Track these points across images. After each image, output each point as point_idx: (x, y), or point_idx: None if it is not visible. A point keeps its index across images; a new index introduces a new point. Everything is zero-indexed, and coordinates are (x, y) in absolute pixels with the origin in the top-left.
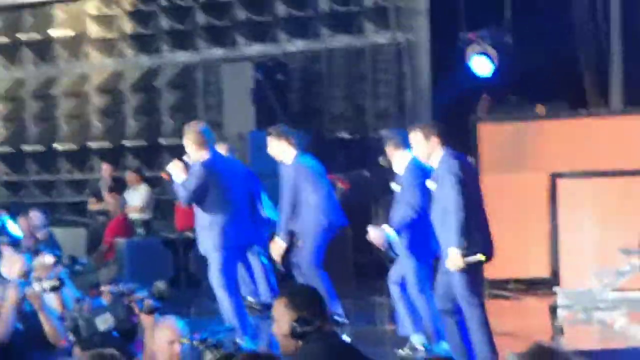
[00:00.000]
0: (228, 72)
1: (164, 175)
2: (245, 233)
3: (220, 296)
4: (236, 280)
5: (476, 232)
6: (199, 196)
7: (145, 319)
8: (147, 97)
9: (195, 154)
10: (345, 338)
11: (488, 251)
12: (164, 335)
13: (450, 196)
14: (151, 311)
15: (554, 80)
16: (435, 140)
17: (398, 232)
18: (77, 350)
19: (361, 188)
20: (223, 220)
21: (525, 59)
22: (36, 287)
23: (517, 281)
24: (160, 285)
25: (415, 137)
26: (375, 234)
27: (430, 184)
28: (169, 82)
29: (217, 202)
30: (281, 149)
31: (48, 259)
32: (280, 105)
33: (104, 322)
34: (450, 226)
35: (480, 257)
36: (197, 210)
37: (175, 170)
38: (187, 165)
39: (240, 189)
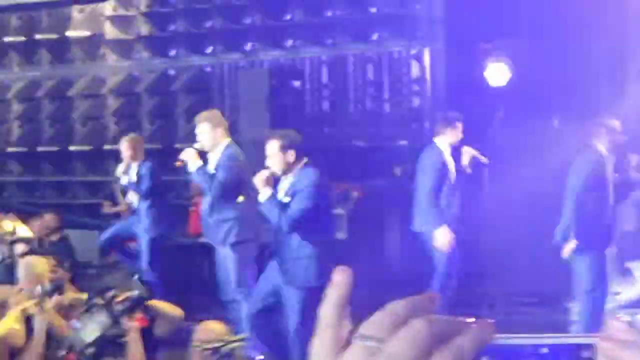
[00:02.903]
0: (244, 77)
1: (178, 163)
2: None
3: None
4: None
5: None
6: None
7: (129, 324)
8: (163, 100)
9: (219, 139)
10: None
11: None
12: (195, 337)
13: None
14: (132, 316)
15: (570, 93)
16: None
17: None
18: None
19: (375, 197)
20: None
21: (542, 70)
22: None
23: (531, 294)
24: (140, 289)
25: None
26: None
27: None
28: (185, 85)
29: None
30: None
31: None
32: (295, 112)
33: (91, 333)
34: None
35: None
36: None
37: (189, 157)
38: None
39: None
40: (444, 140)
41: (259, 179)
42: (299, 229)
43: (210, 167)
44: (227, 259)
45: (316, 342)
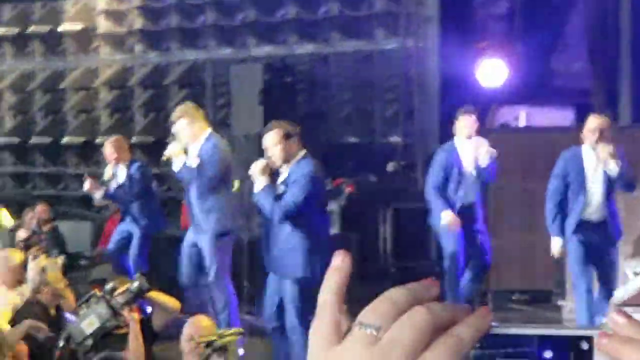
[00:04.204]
0: (237, 72)
1: (164, 158)
2: None
3: None
4: None
5: None
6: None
7: (128, 316)
8: (156, 93)
9: (200, 131)
10: None
11: None
12: (186, 332)
13: None
14: (131, 307)
15: (563, 92)
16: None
17: None
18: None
19: (368, 193)
20: None
21: (535, 70)
22: None
23: (522, 292)
24: (140, 280)
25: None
26: None
27: None
28: (178, 80)
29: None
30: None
31: None
32: (288, 108)
33: (89, 325)
34: None
35: None
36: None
37: (173, 153)
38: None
39: None
40: (457, 134)
41: (255, 168)
42: (292, 219)
43: (193, 161)
44: (204, 247)
45: (315, 329)
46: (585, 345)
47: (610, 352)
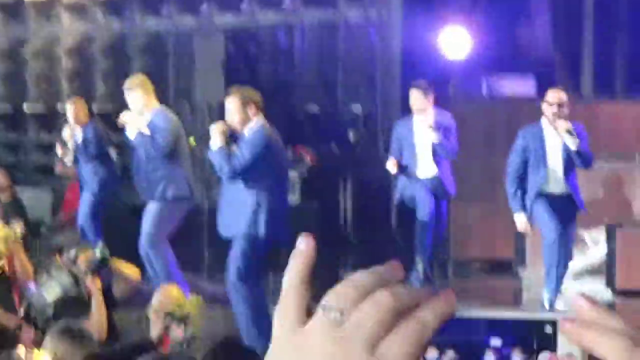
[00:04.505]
0: (199, 41)
1: (121, 121)
2: None
3: None
4: None
5: None
6: None
7: (91, 284)
8: (117, 62)
9: (152, 103)
10: None
11: None
12: (154, 302)
13: None
14: (94, 276)
15: (526, 62)
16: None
17: None
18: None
19: (329, 163)
20: None
21: (498, 40)
22: None
23: (483, 261)
24: (102, 249)
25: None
26: None
27: None
28: (139, 48)
29: None
30: None
31: None
32: (250, 77)
33: (52, 292)
34: None
35: None
36: None
37: (129, 121)
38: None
39: None
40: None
41: (215, 128)
42: (244, 181)
43: (145, 130)
44: (149, 212)
45: (279, 312)
46: (549, 329)
47: (574, 337)
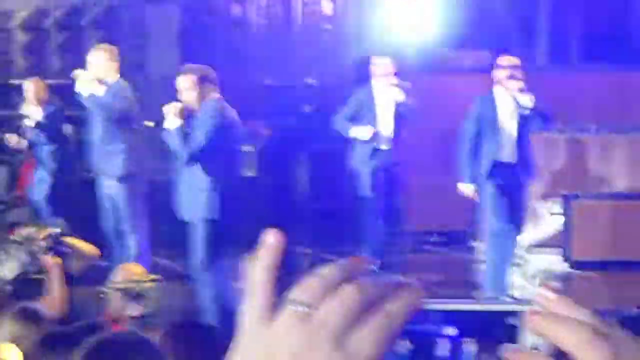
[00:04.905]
0: (153, 12)
1: (75, 76)
2: None
3: None
4: None
5: None
6: None
7: (50, 261)
8: (71, 35)
9: (112, 73)
10: None
11: None
12: (114, 279)
13: None
14: (51, 253)
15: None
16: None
17: None
18: None
19: (284, 136)
20: None
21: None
22: None
23: (440, 234)
24: (60, 226)
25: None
26: None
27: None
28: (93, 21)
29: None
30: None
31: None
32: (205, 49)
33: (10, 269)
34: None
35: None
36: None
37: (86, 81)
38: None
39: None
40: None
41: (169, 108)
42: (201, 160)
43: (101, 93)
44: (115, 193)
45: (246, 306)
46: (514, 321)
47: (540, 330)
